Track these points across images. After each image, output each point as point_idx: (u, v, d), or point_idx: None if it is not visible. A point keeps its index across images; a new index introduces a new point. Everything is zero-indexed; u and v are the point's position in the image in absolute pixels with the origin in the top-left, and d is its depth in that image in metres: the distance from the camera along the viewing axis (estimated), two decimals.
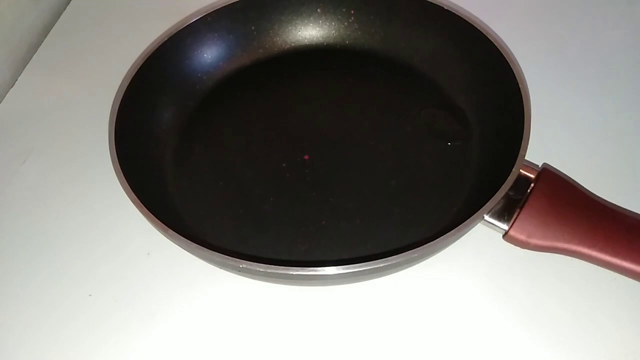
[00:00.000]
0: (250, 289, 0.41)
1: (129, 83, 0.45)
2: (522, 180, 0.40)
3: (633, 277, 0.38)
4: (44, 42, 0.59)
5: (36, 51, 0.58)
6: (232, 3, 0.51)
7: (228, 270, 0.39)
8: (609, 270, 0.38)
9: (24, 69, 0.56)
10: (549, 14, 0.58)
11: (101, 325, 0.40)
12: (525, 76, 0.44)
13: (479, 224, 0.39)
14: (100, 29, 0.60)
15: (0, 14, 0.56)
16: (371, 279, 0.40)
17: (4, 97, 0.54)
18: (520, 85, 0.43)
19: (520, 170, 0.39)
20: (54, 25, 0.60)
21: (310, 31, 0.55)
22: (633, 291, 0.39)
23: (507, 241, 0.40)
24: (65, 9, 0.62)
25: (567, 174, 0.42)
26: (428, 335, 0.39)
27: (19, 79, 0.56)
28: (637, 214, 0.40)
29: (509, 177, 0.38)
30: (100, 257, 0.43)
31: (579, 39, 0.56)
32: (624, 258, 0.37)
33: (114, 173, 0.39)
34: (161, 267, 0.42)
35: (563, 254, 0.39)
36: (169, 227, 0.36)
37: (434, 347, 0.38)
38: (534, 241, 0.39)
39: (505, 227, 0.39)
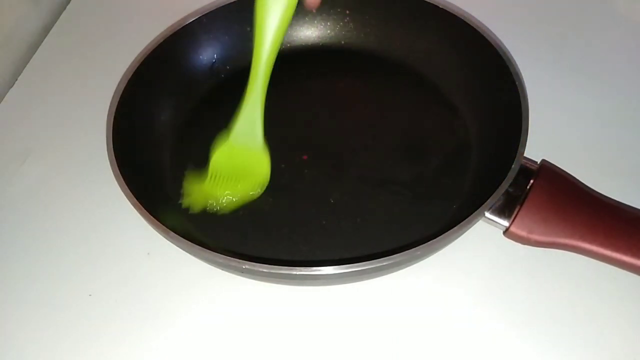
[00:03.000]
0: (250, 289, 0.39)
1: (125, 86, 0.43)
2: (522, 177, 0.38)
3: (633, 271, 0.36)
4: (44, 42, 0.56)
5: (36, 51, 0.55)
6: (227, 4, 0.49)
7: (229, 271, 0.37)
8: (610, 265, 0.36)
9: (24, 69, 0.54)
10: (547, 13, 0.56)
11: (101, 325, 0.38)
12: (523, 73, 0.42)
13: (479, 221, 0.37)
14: (99, 29, 0.58)
15: (1, 14, 0.54)
16: (373, 278, 0.38)
17: (4, 97, 0.52)
18: (517, 82, 0.41)
19: (520, 166, 0.37)
20: (54, 25, 0.58)
21: (305, 31, 0.52)
22: (634, 290, 0.38)
23: (508, 237, 0.38)
24: (65, 9, 0.60)
25: (566, 170, 0.40)
26: (430, 333, 0.37)
27: (19, 79, 0.53)
28: (635, 208, 0.38)
29: (509, 174, 0.37)
30: (100, 257, 0.41)
31: (577, 37, 0.54)
32: (624, 252, 0.35)
33: (114, 177, 0.37)
34: (161, 267, 0.40)
35: (564, 250, 0.37)
36: (170, 229, 0.34)
37: (436, 344, 0.37)
38: (535, 237, 0.37)
39: (506, 223, 0.38)
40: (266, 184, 0.42)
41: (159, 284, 0.39)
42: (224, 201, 0.41)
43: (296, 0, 0.37)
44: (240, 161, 0.42)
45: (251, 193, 0.41)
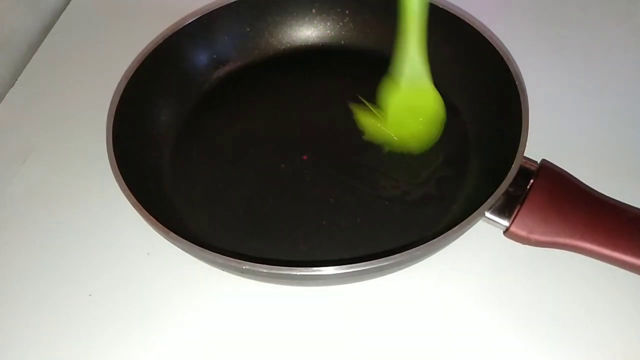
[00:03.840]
0: (250, 289, 0.39)
1: (125, 86, 0.42)
2: (522, 176, 0.38)
3: (634, 271, 0.36)
4: (44, 42, 0.56)
5: (36, 51, 0.55)
6: (227, 4, 0.48)
7: (229, 272, 0.37)
8: (610, 265, 0.36)
9: (24, 69, 0.54)
10: (547, 13, 0.56)
11: (101, 325, 0.38)
12: (523, 73, 0.41)
13: (479, 221, 0.37)
14: (99, 29, 0.57)
15: (1, 14, 0.54)
16: (373, 278, 0.38)
17: (4, 97, 0.52)
18: (517, 82, 0.40)
19: (520, 166, 0.37)
20: (54, 25, 0.58)
21: (305, 32, 0.52)
22: (634, 290, 0.37)
23: (508, 237, 0.38)
24: (65, 9, 0.59)
25: (566, 170, 0.40)
26: (431, 333, 0.37)
27: (19, 79, 0.53)
28: (636, 207, 0.38)
29: (509, 173, 0.36)
30: (100, 257, 0.41)
31: (577, 37, 0.53)
32: (624, 252, 0.35)
33: (114, 177, 0.37)
34: (161, 267, 0.40)
35: (564, 249, 0.37)
36: (170, 230, 0.34)
37: (437, 345, 0.36)
38: (535, 237, 0.37)
39: (506, 223, 0.37)
40: (440, 118, 0.42)
41: (159, 284, 0.39)
42: (403, 138, 0.42)
43: None
44: (410, 102, 0.42)
45: (427, 130, 0.42)
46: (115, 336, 0.37)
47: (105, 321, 0.38)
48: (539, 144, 0.40)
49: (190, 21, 0.47)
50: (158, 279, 0.39)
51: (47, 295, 0.39)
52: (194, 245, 0.33)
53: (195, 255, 0.35)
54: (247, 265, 0.32)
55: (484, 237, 0.39)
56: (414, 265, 0.37)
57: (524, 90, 0.40)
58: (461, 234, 0.35)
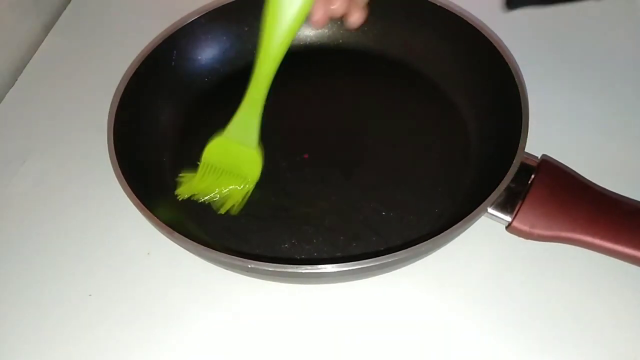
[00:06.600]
0: (251, 288, 0.38)
1: (125, 86, 0.42)
2: (523, 172, 0.37)
3: (635, 264, 0.35)
4: (44, 42, 0.55)
5: (36, 51, 0.54)
6: (225, 4, 0.47)
7: (233, 271, 0.36)
8: (614, 262, 0.35)
9: (24, 69, 0.53)
10: (547, 12, 0.55)
11: (101, 325, 0.37)
12: (523, 71, 0.41)
13: (482, 217, 0.36)
14: (99, 29, 0.56)
15: (1, 14, 0.53)
16: (377, 275, 0.37)
17: (4, 97, 0.51)
18: (516, 79, 0.40)
19: (521, 161, 0.36)
20: (54, 25, 0.57)
21: (303, 31, 0.51)
22: (635, 289, 0.37)
23: (511, 232, 0.37)
24: (65, 9, 0.58)
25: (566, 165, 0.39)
26: (434, 329, 0.36)
27: (19, 79, 0.52)
28: (636, 201, 0.37)
29: (510, 169, 0.36)
30: (100, 257, 0.40)
31: (577, 37, 0.53)
32: (626, 245, 0.35)
33: (115, 177, 0.36)
34: (161, 267, 0.39)
35: (566, 243, 0.36)
36: (174, 229, 0.33)
37: (438, 341, 0.36)
38: (537, 231, 0.36)
39: (508, 218, 0.37)
40: (255, 181, 0.41)
41: (160, 283, 0.38)
42: (212, 195, 0.40)
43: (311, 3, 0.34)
44: (232, 157, 0.41)
45: (239, 188, 0.41)
46: (115, 336, 0.36)
47: (105, 321, 0.37)
48: (539, 143, 0.39)
49: (189, 21, 0.46)
50: (158, 279, 0.39)
51: (47, 295, 0.38)
52: (199, 245, 0.33)
53: (200, 255, 0.34)
54: (252, 264, 0.32)
55: (486, 232, 0.38)
56: (417, 262, 0.36)
57: (523, 87, 0.39)
58: (464, 230, 0.34)
